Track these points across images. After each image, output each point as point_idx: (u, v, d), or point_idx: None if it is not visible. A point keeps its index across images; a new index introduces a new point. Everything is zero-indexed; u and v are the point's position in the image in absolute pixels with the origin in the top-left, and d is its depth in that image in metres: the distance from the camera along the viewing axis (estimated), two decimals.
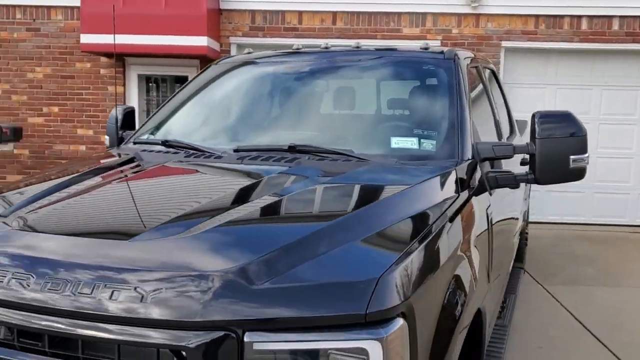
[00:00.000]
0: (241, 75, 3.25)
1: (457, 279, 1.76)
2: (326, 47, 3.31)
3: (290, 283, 1.43)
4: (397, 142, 2.57)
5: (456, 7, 7.79)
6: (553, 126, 2.58)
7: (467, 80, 2.92)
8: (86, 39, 7.32)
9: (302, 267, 1.48)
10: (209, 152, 2.60)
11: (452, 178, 2.23)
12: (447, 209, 1.95)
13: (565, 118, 2.60)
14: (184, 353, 1.35)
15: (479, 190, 2.43)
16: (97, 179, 2.29)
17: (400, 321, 1.44)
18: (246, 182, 2.16)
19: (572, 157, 2.59)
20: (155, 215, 1.84)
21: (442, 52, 3.09)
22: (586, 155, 2.63)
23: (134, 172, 2.37)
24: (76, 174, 2.38)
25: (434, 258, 1.66)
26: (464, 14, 7.82)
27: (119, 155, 2.77)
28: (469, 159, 2.50)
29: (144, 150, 2.80)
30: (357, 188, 2.10)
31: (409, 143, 2.57)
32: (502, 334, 3.36)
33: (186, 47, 7.30)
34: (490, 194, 2.56)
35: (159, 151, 2.75)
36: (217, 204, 1.89)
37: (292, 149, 2.52)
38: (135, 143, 3.01)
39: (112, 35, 7.25)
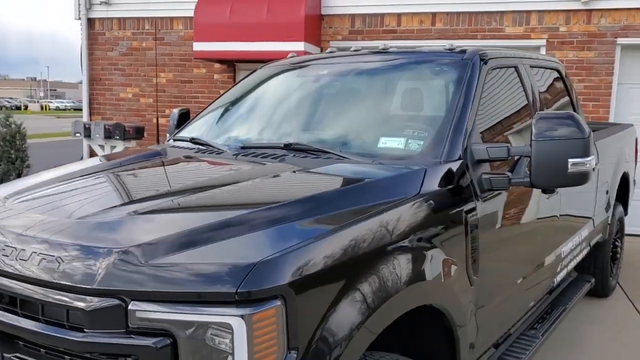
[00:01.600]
0: (271, 80, 3.48)
1: (367, 275, 1.80)
2: (356, 50, 3.41)
3: (175, 262, 1.61)
4: (385, 142, 2.63)
5: (565, 3, 7.34)
6: (551, 128, 2.47)
7: (481, 81, 2.86)
8: (199, 47, 8.00)
9: (195, 249, 1.66)
10: (217, 149, 2.85)
11: (412, 178, 2.25)
12: (384, 208, 2.00)
13: (565, 119, 2.47)
14: (82, 314, 1.60)
15: (458, 192, 2.40)
16: (112, 167, 2.65)
17: (273, 304, 1.55)
18: (216, 174, 2.38)
19: (570, 160, 2.46)
20: (117, 199, 2.12)
21: (462, 52, 3.05)
22: (588, 159, 2.48)
23: (143, 163, 2.70)
24: (102, 163, 2.78)
25: (333, 252, 1.73)
26: (573, 10, 7.34)
27: (152, 149, 3.12)
28: (455, 160, 2.48)
29: (173, 147, 3.13)
30: (302, 182, 2.22)
31: (396, 143, 2.61)
32: (526, 344, 3.22)
33: (285, 52, 7.66)
34: (480, 197, 2.50)
35: (183, 147, 3.06)
36: (171, 191, 2.14)
37: (288, 146, 2.69)
38: (174, 140, 3.36)
39: (221, 43, 7.87)
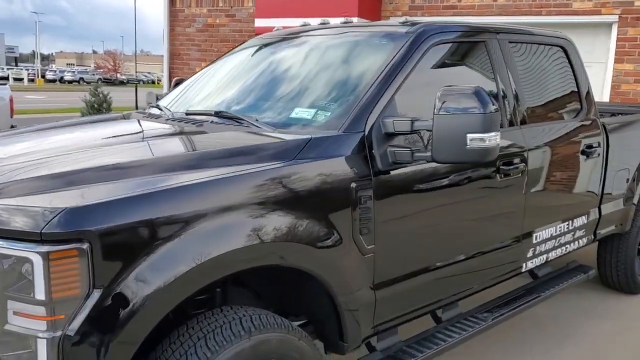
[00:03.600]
0: (238, 53, 3.64)
1: (189, 231, 1.92)
2: (323, 23, 3.48)
3: (2, 203, 1.86)
4: (297, 113, 2.69)
5: None
6: (453, 102, 2.41)
7: (416, 57, 2.81)
8: (260, 23, 8.30)
9: (24, 196, 1.90)
10: (164, 115, 3.09)
11: (290, 147, 2.32)
12: (240, 171, 2.12)
13: (468, 94, 2.39)
14: None
15: (351, 162, 2.42)
16: (71, 124, 3.02)
17: (75, 245, 1.75)
18: (124, 134, 2.63)
19: (469, 135, 2.40)
20: (26, 149, 2.44)
21: (409, 25, 3.00)
22: (489, 135, 2.40)
23: (96, 122, 3.04)
24: (75, 120, 3.17)
25: (153, 207, 1.88)
26: None
27: (126, 113, 3.44)
28: (355, 132, 2.50)
29: (142, 111, 3.41)
30: (178, 145, 2.41)
31: (306, 114, 2.67)
32: (468, 325, 3.16)
33: None
34: (381, 169, 2.50)
35: (147, 112, 3.34)
36: (69, 148, 2.41)
37: (217, 114, 2.86)
38: (151, 106, 3.64)
39: (280, 19, 8.13)
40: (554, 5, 7.20)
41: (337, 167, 2.40)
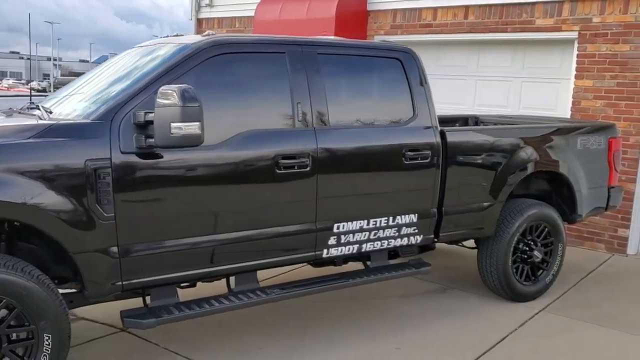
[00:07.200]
0: (115, 57, 4.34)
1: None
2: (157, 40, 4.15)
3: None
4: (83, 107, 3.40)
5: None
6: (165, 98, 2.99)
7: (193, 64, 3.41)
8: None
9: None
10: (13, 111, 3.86)
11: (26, 131, 3.03)
12: None
13: (174, 92, 2.97)
14: None
15: (88, 144, 3.06)
16: None
17: None
18: None
19: (172, 124, 2.96)
20: None
21: (205, 38, 3.59)
22: (187, 124, 2.95)
23: None
24: None
25: None
26: None
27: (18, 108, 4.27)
28: (97, 121, 3.14)
29: (20, 109, 4.23)
30: None
31: (85, 108, 3.34)
32: (243, 299, 3.63)
33: None
34: (122, 151, 3.11)
35: (22, 107, 4.15)
36: None
37: (41, 107, 3.62)
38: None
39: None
40: (519, 22, 7.27)
41: (76, 147, 3.04)
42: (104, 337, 4.14)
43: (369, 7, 8.59)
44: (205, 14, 10.73)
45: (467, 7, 7.69)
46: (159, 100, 3.01)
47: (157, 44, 3.88)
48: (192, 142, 3.02)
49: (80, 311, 4.46)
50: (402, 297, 5.08)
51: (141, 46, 4.10)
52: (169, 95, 2.98)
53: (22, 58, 59.67)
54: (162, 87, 3.04)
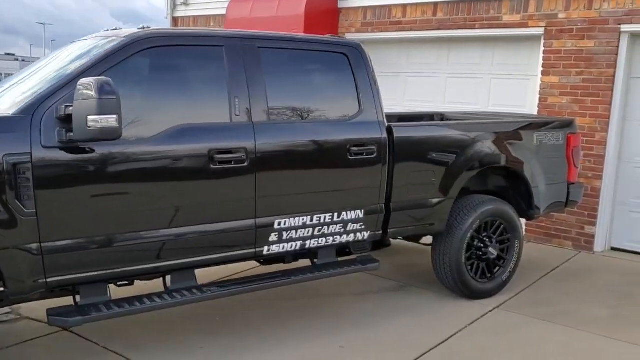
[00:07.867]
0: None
1: None
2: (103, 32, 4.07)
3: None
4: (19, 102, 3.28)
5: None
6: (83, 90, 2.93)
7: (121, 58, 3.33)
8: None
9: None
10: None
11: None
12: None
13: (91, 84, 2.90)
14: None
15: (17, 138, 2.99)
16: None
17: None
18: None
19: (89, 117, 2.90)
20: None
21: (139, 31, 3.52)
22: (103, 117, 2.88)
23: None
24: None
25: None
26: None
27: None
28: (17, 115, 3.07)
29: None
30: None
31: (19, 102, 3.24)
32: (182, 296, 3.57)
33: None
34: (44, 146, 3.03)
35: None
36: None
37: None
38: None
39: None
40: (487, 19, 7.22)
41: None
42: (46, 336, 4.06)
43: (340, 5, 8.54)
44: (181, 12, 10.68)
45: (435, 4, 7.65)
46: (77, 93, 2.95)
47: (95, 38, 3.81)
48: (109, 136, 2.95)
49: (26, 311, 4.42)
50: (358, 294, 5.02)
51: (81, 40, 4.04)
52: (87, 88, 2.91)
53: (17, 60, 59.94)
54: (81, 80, 2.97)
